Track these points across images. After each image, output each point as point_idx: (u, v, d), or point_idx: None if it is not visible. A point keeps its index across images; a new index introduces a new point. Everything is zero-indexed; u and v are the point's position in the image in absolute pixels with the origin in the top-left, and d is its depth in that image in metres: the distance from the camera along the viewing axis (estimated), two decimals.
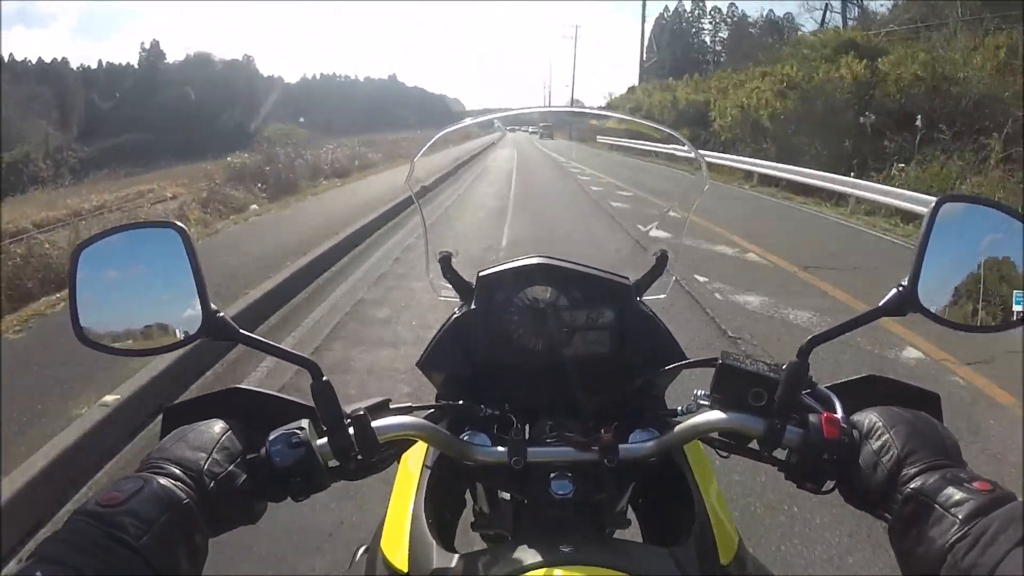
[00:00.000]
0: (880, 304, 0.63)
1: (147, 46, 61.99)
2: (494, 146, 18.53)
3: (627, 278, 0.83)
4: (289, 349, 0.63)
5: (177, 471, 0.54)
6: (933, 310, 0.63)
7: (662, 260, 0.85)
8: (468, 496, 0.90)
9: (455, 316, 0.83)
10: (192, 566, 0.52)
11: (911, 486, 0.54)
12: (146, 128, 49.68)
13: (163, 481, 0.52)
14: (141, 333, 0.63)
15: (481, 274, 0.82)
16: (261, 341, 0.63)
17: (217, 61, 65.58)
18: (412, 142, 26.42)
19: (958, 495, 0.51)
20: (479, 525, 0.87)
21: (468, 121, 1.01)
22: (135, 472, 0.55)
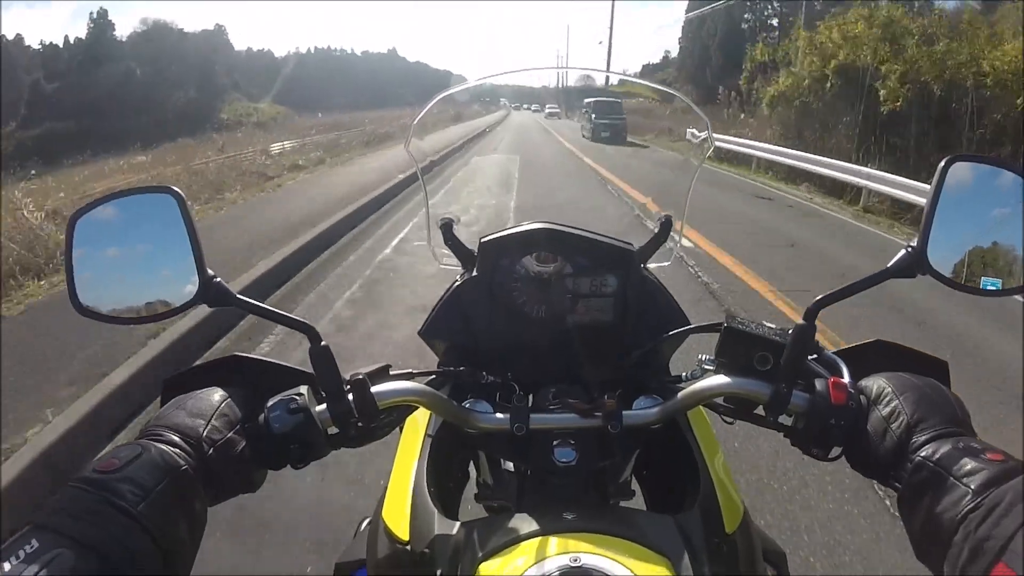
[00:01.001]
0: (889, 265, 0.62)
1: (95, 15, 50.79)
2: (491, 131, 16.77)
3: (631, 244, 0.82)
4: (286, 314, 0.63)
5: (176, 438, 0.54)
6: (943, 272, 0.62)
7: (666, 226, 0.84)
8: (471, 468, 0.90)
9: (457, 284, 0.82)
10: (191, 534, 0.51)
11: (921, 454, 0.53)
12: (84, 112, 41.52)
13: (161, 448, 0.52)
14: (138, 300, 0.63)
15: (483, 240, 0.81)
16: (258, 306, 0.63)
17: (178, 32, 54.12)
18: (395, 121, 23.93)
19: (970, 465, 0.50)
20: (482, 496, 0.87)
21: (471, 83, 0.98)
22: (134, 439, 0.54)
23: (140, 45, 50.27)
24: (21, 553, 0.41)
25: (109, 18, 50.64)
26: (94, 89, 43.87)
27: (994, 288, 0.62)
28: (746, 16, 39.65)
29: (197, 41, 55.19)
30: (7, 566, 0.40)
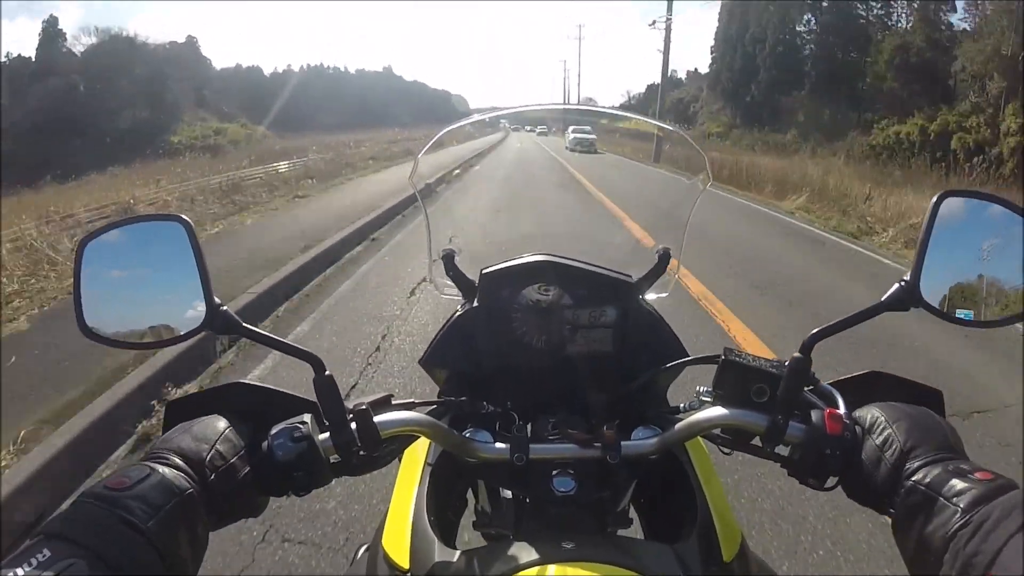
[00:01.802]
0: (882, 299, 0.63)
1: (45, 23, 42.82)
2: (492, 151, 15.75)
3: (630, 276, 0.83)
4: (292, 343, 0.63)
5: (180, 462, 0.55)
6: (936, 305, 0.63)
7: (664, 258, 0.85)
8: (470, 496, 0.90)
9: (458, 314, 0.83)
10: (193, 556, 0.52)
11: (913, 479, 0.54)
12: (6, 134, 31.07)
13: (167, 471, 0.53)
14: (145, 326, 0.63)
15: (484, 271, 0.82)
16: (264, 335, 0.63)
17: (132, 43, 45.28)
18: (385, 143, 23.04)
19: (959, 485, 0.51)
20: (481, 524, 0.87)
21: (475, 117, 1.01)
22: (140, 461, 0.55)
23: (93, 58, 42.85)
24: (33, 561, 0.42)
25: (60, 27, 43.73)
26: (26, 108, 35.83)
27: (985, 320, 0.64)
28: (807, 18, 32.32)
29: (159, 54, 47.70)
30: (20, 572, 0.40)
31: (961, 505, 0.49)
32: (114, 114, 38.31)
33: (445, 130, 0.90)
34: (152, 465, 0.53)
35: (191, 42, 57.01)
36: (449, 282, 0.86)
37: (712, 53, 40.25)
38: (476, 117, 1.00)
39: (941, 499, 0.51)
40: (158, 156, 25.15)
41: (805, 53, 32.54)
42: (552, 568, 0.55)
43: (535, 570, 0.55)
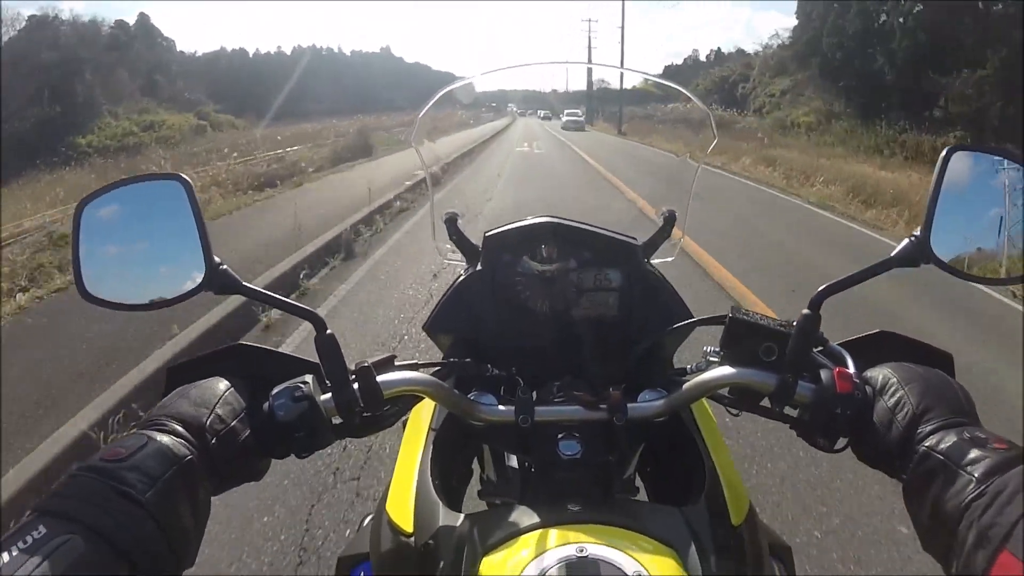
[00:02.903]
0: (892, 254, 0.62)
1: None
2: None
3: (635, 239, 0.82)
4: (292, 301, 0.63)
5: (179, 428, 0.54)
6: (947, 260, 0.62)
7: (670, 221, 0.84)
8: (475, 466, 0.90)
9: (461, 278, 0.82)
10: (196, 522, 0.51)
11: (926, 444, 0.53)
12: None
13: (165, 438, 0.52)
14: (144, 287, 0.63)
15: (487, 234, 0.81)
16: (264, 293, 0.63)
17: (55, 24, 36.84)
18: (370, 131, 19.30)
19: (974, 453, 0.50)
20: (486, 492, 0.86)
21: (471, 77, 0.99)
22: (137, 429, 0.54)
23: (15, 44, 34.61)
24: (28, 539, 0.41)
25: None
26: None
27: (995, 276, 0.63)
28: None
29: (86, 37, 39.06)
30: (14, 551, 0.39)
31: (976, 474, 0.48)
32: (15, 113, 29.79)
33: (442, 91, 0.88)
34: (149, 433, 0.52)
35: (143, 22, 48.59)
36: (452, 246, 0.85)
37: (798, 14, 28.04)
38: (471, 77, 0.99)
39: (954, 466, 0.50)
40: (57, 163, 19.39)
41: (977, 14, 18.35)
42: (557, 531, 0.54)
43: (539, 532, 0.55)
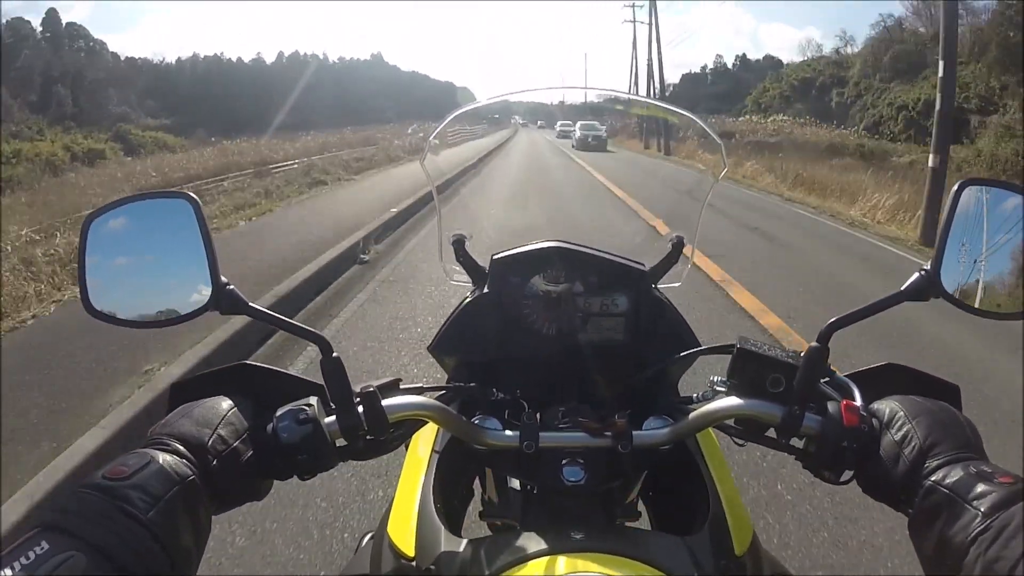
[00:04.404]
0: (902, 288, 0.62)
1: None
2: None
3: (643, 264, 0.82)
4: (299, 324, 0.62)
5: (181, 447, 0.54)
6: (956, 295, 0.62)
7: (678, 247, 0.84)
8: (477, 486, 0.89)
9: (467, 300, 0.82)
10: (196, 541, 0.51)
11: (932, 478, 0.53)
12: None
13: (168, 457, 0.51)
14: (150, 305, 0.62)
15: (495, 257, 0.81)
16: (270, 315, 0.62)
17: None
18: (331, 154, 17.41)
19: (980, 488, 0.50)
20: (488, 514, 0.86)
21: (485, 100, 0.99)
22: (140, 447, 0.54)
23: None
24: (31, 554, 0.40)
25: None
26: None
27: (1006, 311, 0.63)
28: None
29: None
30: (16, 567, 0.39)
31: (982, 509, 0.48)
32: None
33: (453, 114, 0.88)
34: (152, 452, 0.52)
35: (52, 21, 39.89)
36: (459, 268, 0.85)
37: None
38: (487, 100, 0.98)
39: (961, 501, 0.50)
40: None
41: None
42: (561, 559, 0.54)
43: (543, 560, 0.54)
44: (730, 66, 52.81)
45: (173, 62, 63.97)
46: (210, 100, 52.14)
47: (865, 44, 30.00)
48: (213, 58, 66.42)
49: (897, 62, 25.33)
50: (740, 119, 31.68)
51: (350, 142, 23.34)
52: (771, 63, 47.02)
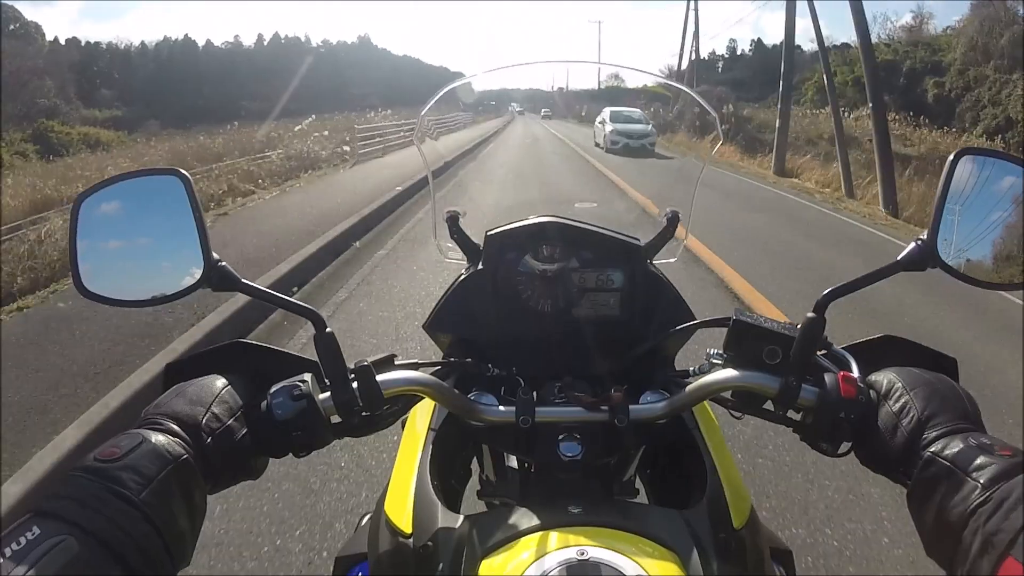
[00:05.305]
0: (899, 258, 0.62)
1: None
2: None
3: (638, 239, 0.82)
4: (292, 299, 0.62)
5: (174, 426, 0.53)
6: (952, 264, 0.62)
7: (673, 222, 0.83)
8: (475, 466, 0.89)
9: (462, 277, 0.82)
10: (191, 522, 0.51)
11: (931, 450, 0.53)
12: None
13: (161, 437, 0.51)
14: (142, 283, 0.62)
15: (489, 233, 0.81)
16: (263, 291, 0.62)
17: None
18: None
19: (980, 459, 0.50)
20: (485, 493, 0.86)
21: (475, 74, 0.97)
22: (133, 427, 0.53)
23: None
24: (23, 540, 0.40)
25: None
26: None
27: (1002, 281, 0.62)
28: None
29: None
30: (8, 552, 0.39)
31: (981, 481, 0.48)
32: None
33: (445, 89, 0.87)
34: (144, 432, 0.51)
35: None
36: (453, 245, 0.85)
37: None
38: (478, 74, 0.97)
39: (960, 472, 0.50)
40: None
41: None
42: (558, 533, 0.54)
43: (541, 534, 0.54)
44: (746, 50, 51.07)
45: (137, 45, 59.90)
46: (175, 87, 49.08)
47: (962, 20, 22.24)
48: (183, 41, 62.54)
49: (1016, 48, 18.65)
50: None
51: (245, 144, 17.20)
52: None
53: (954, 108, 20.94)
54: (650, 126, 14.56)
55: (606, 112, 14.18)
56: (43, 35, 45.26)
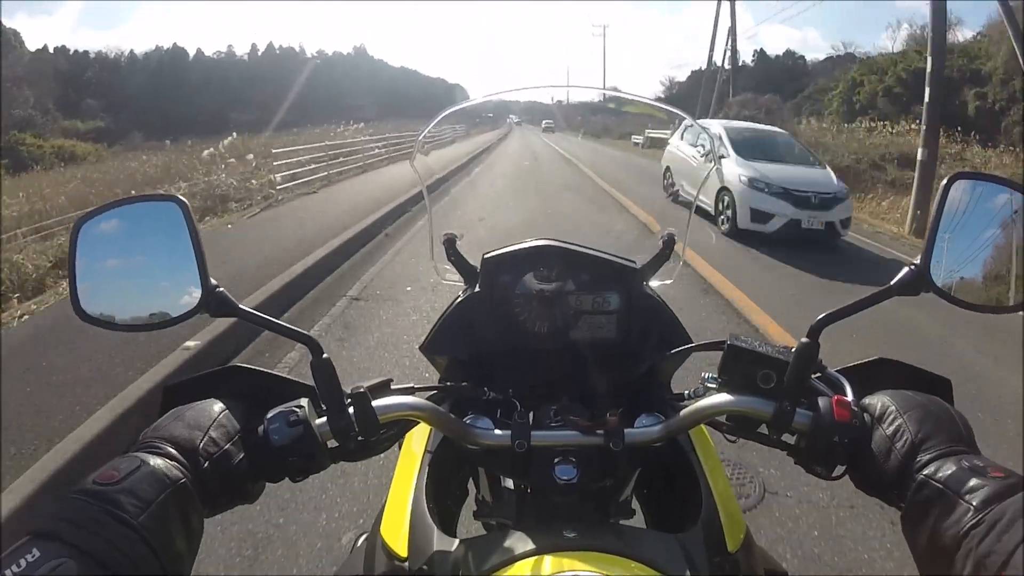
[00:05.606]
0: (892, 283, 0.62)
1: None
2: None
3: (634, 262, 0.82)
4: (289, 325, 0.62)
5: (172, 450, 0.54)
6: (946, 289, 0.62)
7: (669, 244, 0.84)
8: (471, 486, 0.89)
9: (459, 299, 0.82)
10: (188, 545, 0.51)
11: (924, 472, 0.53)
12: None
13: (159, 461, 0.51)
14: (140, 308, 0.62)
15: (486, 256, 0.81)
16: (260, 317, 0.62)
17: None
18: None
19: (972, 482, 0.50)
20: (481, 514, 0.86)
21: (476, 99, 0.98)
22: (131, 451, 0.54)
23: None
24: (22, 562, 0.41)
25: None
26: None
27: (995, 304, 0.63)
28: None
29: None
30: (8, 573, 0.39)
31: (974, 503, 0.48)
32: None
33: (444, 112, 0.88)
34: (143, 456, 0.52)
35: None
36: (450, 267, 0.85)
37: None
38: (479, 99, 0.98)
39: (954, 495, 0.50)
40: None
41: None
42: (553, 558, 0.54)
43: (537, 559, 0.54)
44: (747, 61, 51.03)
45: (127, 54, 59.08)
46: (165, 97, 48.38)
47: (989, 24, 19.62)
48: (172, 50, 61.79)
49: None
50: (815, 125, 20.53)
51: (184, 167, 13.71)
52: (792, 58, 45.74)
53: (998, 121, 18.00)
54: (833, 175, 7.50)
55: (715, 128, 7.78)
56: (22, 43, 44.80)
